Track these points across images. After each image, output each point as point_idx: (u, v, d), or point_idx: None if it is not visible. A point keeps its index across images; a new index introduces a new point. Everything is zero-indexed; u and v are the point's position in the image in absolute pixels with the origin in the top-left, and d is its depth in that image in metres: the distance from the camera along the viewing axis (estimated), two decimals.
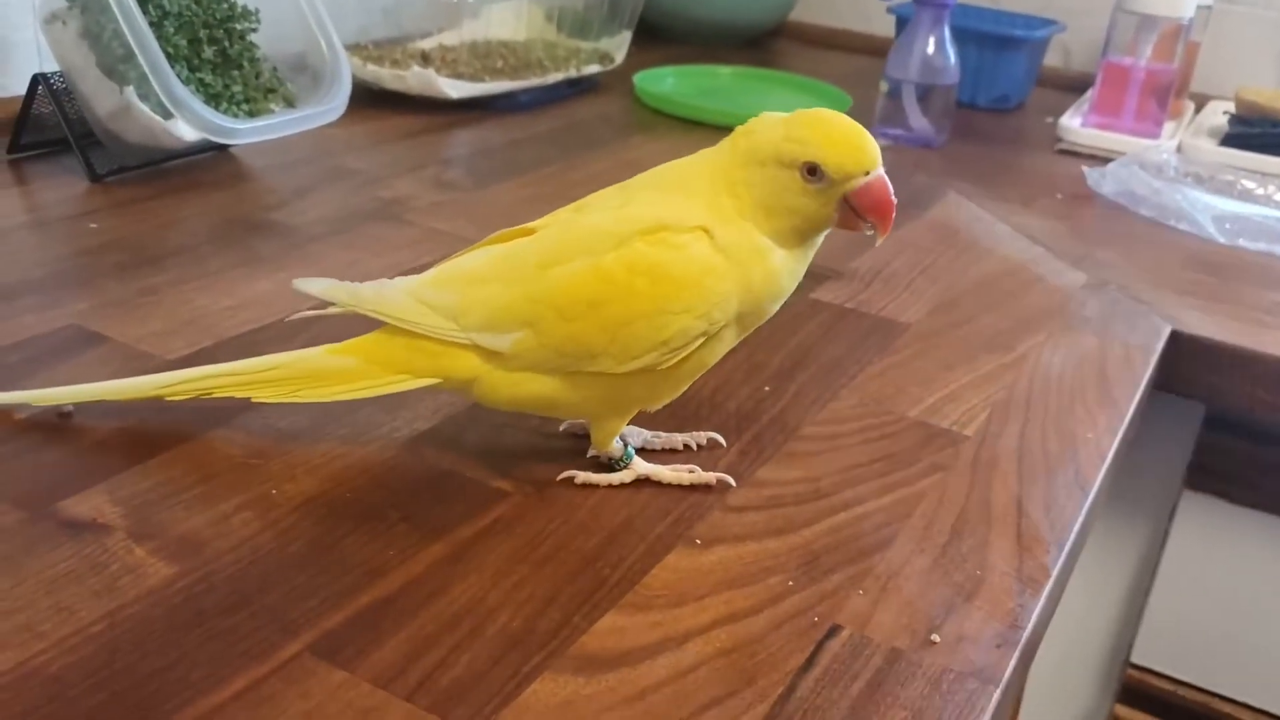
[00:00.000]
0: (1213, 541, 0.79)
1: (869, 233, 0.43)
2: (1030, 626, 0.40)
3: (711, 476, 0.46)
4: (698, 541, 0.43)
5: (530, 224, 0.45)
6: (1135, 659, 0.83)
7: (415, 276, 0.44)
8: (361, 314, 0.44)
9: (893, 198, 0.42)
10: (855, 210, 0.42)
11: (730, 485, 0.46)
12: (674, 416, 0.50)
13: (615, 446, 0.45)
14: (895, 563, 0.43)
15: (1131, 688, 0.84)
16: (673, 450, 0.49)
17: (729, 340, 0.44)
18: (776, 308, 0.44)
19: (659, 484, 0.46)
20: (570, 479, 0.45)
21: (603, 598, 0.39)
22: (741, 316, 0.43)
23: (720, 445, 0.49)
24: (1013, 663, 0.38)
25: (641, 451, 0.48)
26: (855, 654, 0.38)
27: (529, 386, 0.43)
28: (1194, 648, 0.81)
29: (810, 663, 0.37)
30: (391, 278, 0.45)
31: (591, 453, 0.47)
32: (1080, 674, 0.88)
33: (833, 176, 0.41)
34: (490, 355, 0.43)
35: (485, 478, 0.45)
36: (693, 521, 0.44)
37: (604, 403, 0.44)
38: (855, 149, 0.41)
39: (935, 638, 0.39)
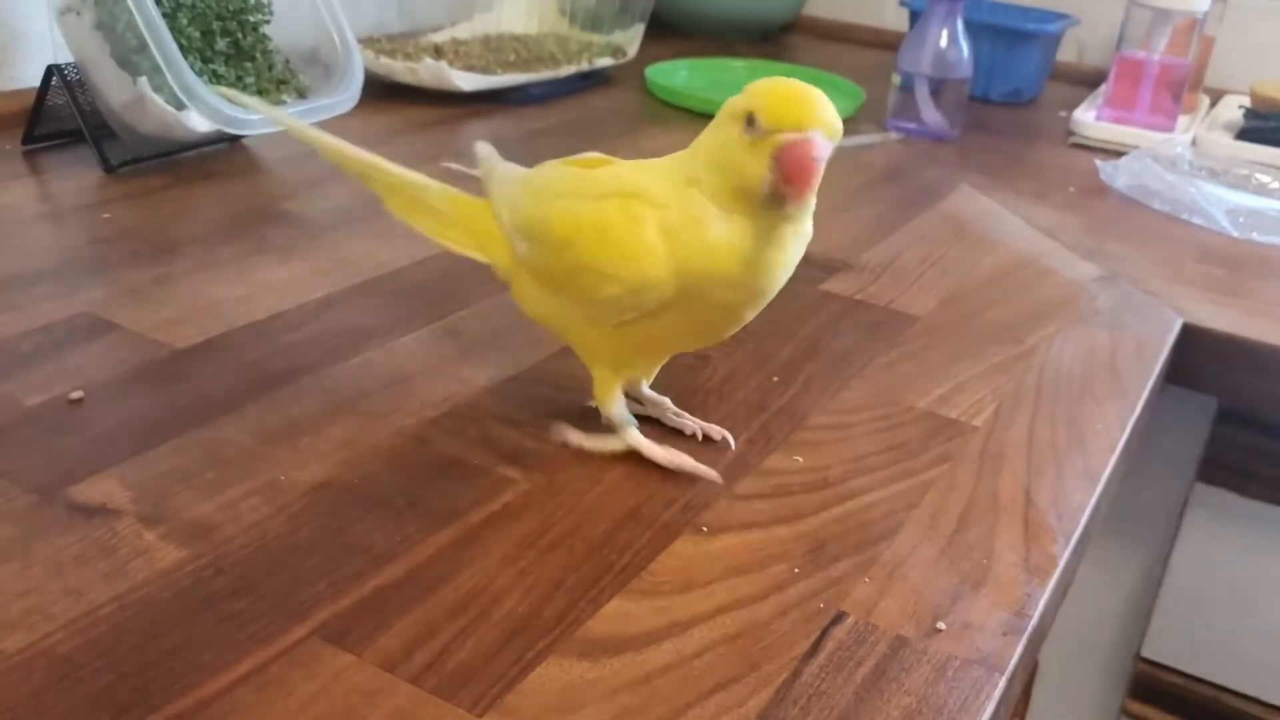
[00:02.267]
0: (1224, 535, 0.79)
1: (786, 201, 0.39)
2: (1037, 615, 0.40)
3: (705, 471, 0.45)
4: (704, 529, 0.43)
5: (613, 159, 0.47)
6: (1146, 653, 0.83)
7: (537, 168, 0.48)
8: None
9: (814, 163, 0.38)
10: (777, 169, 0.38)
11: (718, 483, 0.45)
12: (684, 405, 0.50)
13: (615, 411, 0.46)
14: (902, 551, 0.43)
15: (1142, 682, 0.84)
16: (680, 432, 0.49)
17: (683, 322, 0.43)
18: (735, 294, 0.42)
19: (656, 466, 0.46)
20: (564, 442, 0.47)
21: (609, 583, 0.39)
22: (688, 297, 0.42)
23: (729, 448, 0.48)
24: (1019, 651, 0.38)
25: (652, 423, 0.49)
26: (860, 641, 0.38)
27: (543, 303, 0.46)
28: (1205, 642, 0.81)
29: (815, 649, 0.37)
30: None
31: (591, 403, 0.48)
32: (1090, 668, 0.87)
33: (765, 126, 0.38)
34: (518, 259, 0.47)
35: (493, 464, 0.45)
36: (700, 509, 0.44)
37: (584, 342, 0.46)
38: (796, 103, 0.39)
39: (941, 625, 0.39)
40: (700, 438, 0.49)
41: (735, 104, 0.41)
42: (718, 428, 0.49)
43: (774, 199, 0.39)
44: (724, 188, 0.40)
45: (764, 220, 0.40)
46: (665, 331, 0.44)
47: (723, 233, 0.41)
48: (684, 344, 0.48)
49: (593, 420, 0.48)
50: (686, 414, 0.49)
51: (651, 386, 0.50)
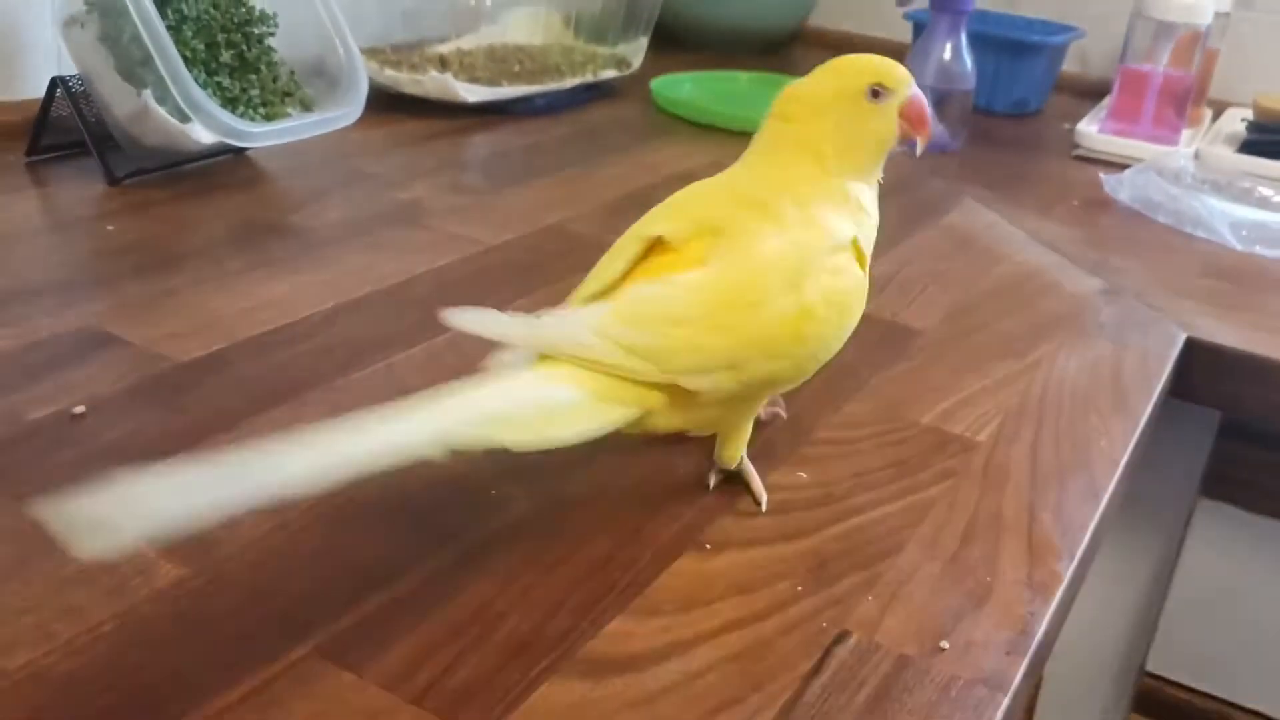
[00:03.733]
0: (1228, 549, 0.79)
1: (910, 146, 0.47)
2: (1041, 634, 0.40)
3: (769, 410, 0.51)
4: (707, 546, 0.43)
5: (662, 224, 0.43)
6: (1151, 667, 0.83)
7: (591, 309, 0.41)
8: (548, 356, 0.40)
9: (928, 108, 0.47)
10: (906, 121, 0.46)
11: (782, 417, 0.52)
12: None
13: (741, 456, 0.46)
14: (905, 569, 0.42)
15: (1147, 696, 0.83)
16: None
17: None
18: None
19: (658, 483, 0.46)
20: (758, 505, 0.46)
21: (611, 602, 0.39)
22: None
23: (782, 417, 0.52)
24: (1022, 670, 0.38)
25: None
26: (863, 660, 0.37)
27: (700, 414, 0.43)
28: (1210, 656, 0.81)
29: (818, 668, 0.37)
30: (559, 308, 0.43)
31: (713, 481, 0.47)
32: (1095, 682, 0.87)
33: (892, 89, 0.45)
34: (671, 394, 0.41)
35: (496, 483, 0.45)
36: (702, 526, 0.44)
37: (748, 413, 0.46)
38: (895, 65, 0.46)
39: (944, 644, 0.39)
40: (764, 416, 0.52)
41: (844, 87, 0.45)
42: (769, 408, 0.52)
43: (904, 142, 0.47)
44: (862, 159, 0.46)
45: (876, 180, 0.47)
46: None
47: (870, 200, 0.46)
48: None
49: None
50: None
51: None
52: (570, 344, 0.40)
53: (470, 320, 0.40)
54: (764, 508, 0.45)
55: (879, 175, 0.47)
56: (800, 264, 0.42)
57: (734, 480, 0.47)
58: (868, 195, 0.46)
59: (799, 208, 0.44)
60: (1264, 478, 0.77)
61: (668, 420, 0.42)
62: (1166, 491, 0.81)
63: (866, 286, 0.45)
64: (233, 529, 0.41)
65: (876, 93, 0.45)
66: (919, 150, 0.47)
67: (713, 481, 0.46)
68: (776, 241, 0.42)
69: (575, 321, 0.41)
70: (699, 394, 0.41)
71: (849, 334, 0.45)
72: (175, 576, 0.38)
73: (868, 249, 0.46)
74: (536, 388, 0.40)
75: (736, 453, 0.46)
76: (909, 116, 0.46)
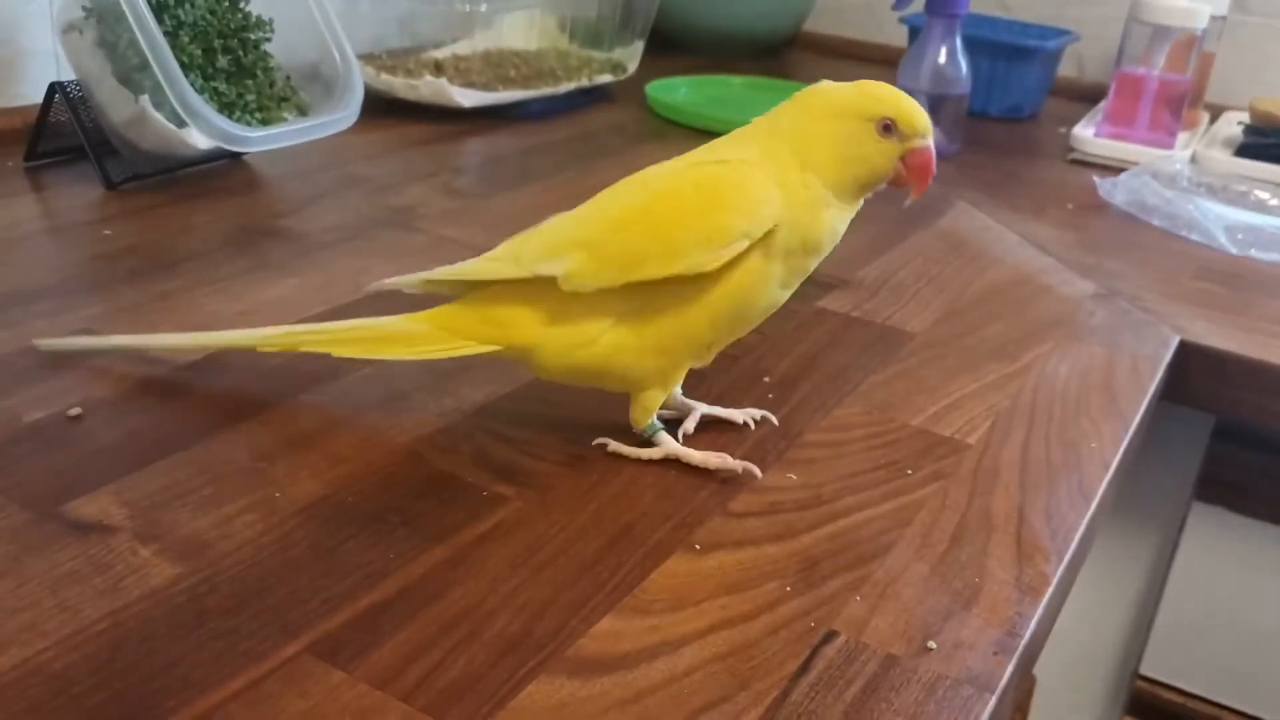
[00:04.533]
0: (1222, 553, 0.79)
1: (908, 197, 0.48)
2: (1029, 634, 0.40)
3: (738, 465, 0.47)
4: (697, 546, 0.43)
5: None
6: (1144, 671, 0.83)
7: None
8: (434, 284, 0.48)
9: (934, 168, 0.47)
10: (906, 168, 0.47)
11: (756, 476, 0.47)
12: (680, 420, 0.50)
13: (650, 424, 0.48)
14: (894, 569, 0.43)
15: (1140, 700, 0.84)
16: (730, 423, 0.51)
17: (772, 280, 0.46)
18: (815, 263, 0.47)
19: (650, 484, 0.46)
20: (603, 445, 0.48)
21: (601, 602, 0.39)
22: (785, 251, 0.46)
23: (774, 425, 0.52)
24: (1009, 670, 0.38)
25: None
26: (850, 660, 0.38)
27: (579, 353, 0.46)
28: (1203, 660, 0.81)
29: (805, 668, 0.37)
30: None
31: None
32: (1089, 686, 0.87)
33: (904, 132, 0.46)
34: (546, 319, 0.46)
35: (487, 483, 0.46)
36: (693, 527, 0.44)
37: (654, 353, 0.46)
38: (922, 114, 0.46)
39: (932, 644, 0.39)
40: (753, 425, 0.51)
41: (862, 106, 0.46)
42: (755, 410, 0.52)
43: (896, 186, 0.47)
44: (849, 178, 0.46)
45: (856, 206, 0.48)
46: (748, 291, 0.46)
47: (831, 214, 0.46)
48: (748, 324, 0.48)
49: (597, 428, 0.48)
50: (719, 407, 0.51)
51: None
52: (448, 269, 0.48)
53: (387, 282, 0.50)
54: (713, 467, 0.47)
55: (858, 203, 0.48)
56: (664, 171, 0.47)
57: (727, 480, 0.47)
58: (836, 209, 0.46)
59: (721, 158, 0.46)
60: (1258, 481, 0.77)
61: (552, 357, 0.46)
62: (1160, 495, 0.81)
63: (762, 183, 0.45)
64: (226, 527, 0.41)
65: (888, 127, 0.46)
66: (908, 201, 0.48)
67: (610, 445, 0.48)
68: (653, 169, 0.47)
69: (470, 260, 0.48)
70: (569, 280, 0.44)
71: (728, 212, 0.44)
72: (169, 575, 0.38)
73: (810, 250, 0.46)
74: (389, 322, 0.48)
75: (641, 417, 0.48)
76: (911, 165, 0.47)
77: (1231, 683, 0.81)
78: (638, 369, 0.47)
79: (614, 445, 0.48)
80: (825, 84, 0.47)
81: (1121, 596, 0.84)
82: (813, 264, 0.47)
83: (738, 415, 0.51)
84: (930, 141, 0.47)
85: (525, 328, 0.46)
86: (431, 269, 0.49)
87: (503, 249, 0.48)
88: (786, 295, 0.48)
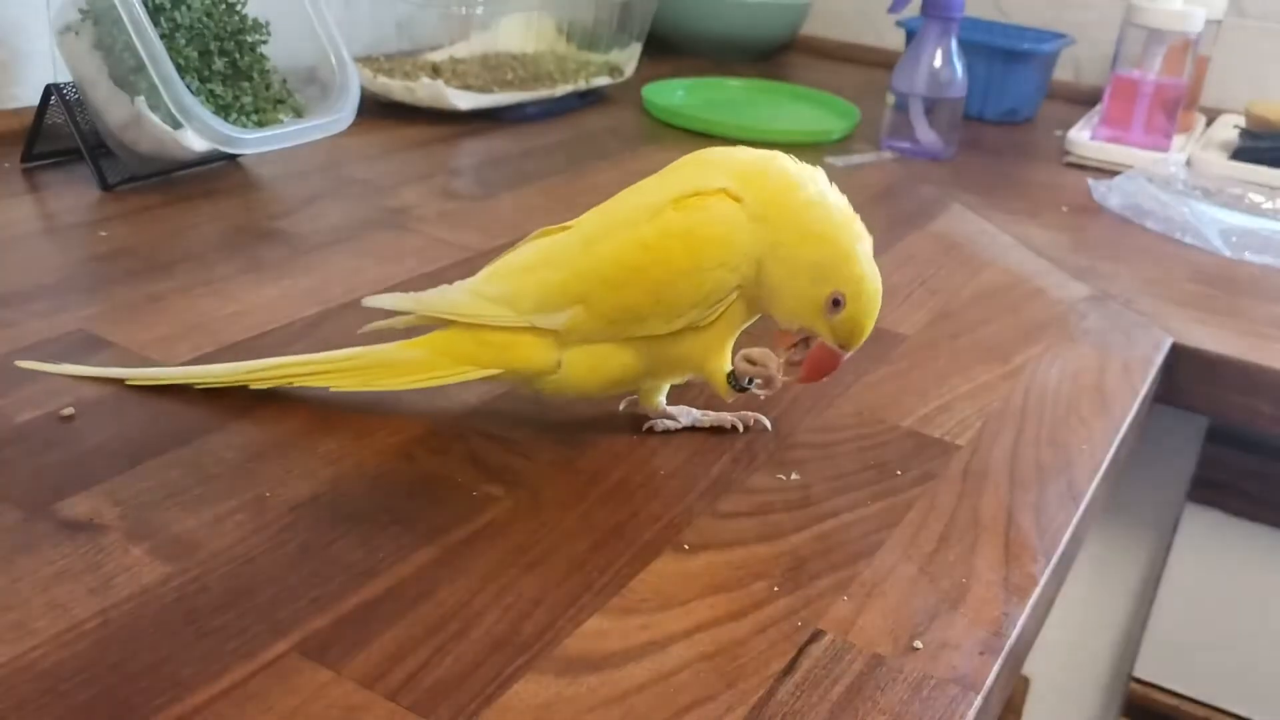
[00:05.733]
0: (1216, 555, 0.79)
1: (766, 381, 0.48)
2: (1015, 635, 0.41)
3: (750, 416, 0.50)
4: (686, 546, 0.43)
5: (568, 222, 0.49)
6: (1138, 673, 0.83)
7: (472, 277, 0.48)
8: (429, 317, 0.48)
9: (826, 377, 0.47)
10: (800, 359, 0.47)
11: (766, 428, 0.51)
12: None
13: (659, 403, 0.50)
14: (881, 570, 0.43)
15: (1135, 702, 0.84)
16: (720, 428, 0.51)
17: (742, 312, 0.47)
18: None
19: (640, 483, 0.47)
20: (651, 428, 0.50)
21: (589, 601, 0.39)
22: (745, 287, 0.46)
23: (766, 429, 0.52)
24: (995, 670, 0.39)
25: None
26: (836, 659, 0.38)
27: (584, 368, 0.47)
28: (1198, 662, 0.81)
29: (791, 667, 0.37)
30: (451, 283, 0.48)
31: (647, 425, 0.51)
32: (1083, 688, 0.87)
33: (838, 325, 0.45)
34: (551, 345, 0.46)
35: (477, 482, 0.46)
36: (682, 527, 0.44)
37: (653, 373, 0.48)
38: (864, 333, 0.46)
39: (918, 644, 0.39)
40: (742, 429, 0.51)
41: (828, 269, 0.44)
42: (750, 413, 0.52)
43: (783, 363, 0.48)
44: (769, 301, 0.46)
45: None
46: (736, 324, 0.47)
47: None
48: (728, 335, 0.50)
49: (588, 429, 0.48)
50: (711, 411, 0.52)
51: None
52: (444, 303, 0.47)
53: (377, 300, 0.48)
54: (692, 422, 0.50)
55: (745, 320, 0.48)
56: (646, 209, 0.45)
57: (717, 481, 0.47)
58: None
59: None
60: (1251, 483, 0.77)
61: (558, 381, 0.47)
62: (1154, 497, 0.81)
63: (740, 223, 0.44)
64: (216, 528, 0.41)
65: (837, 303, 0.44)
66: (761, 391, 0.48)
67: (658, 426, 0.50)
68: (634, 196, 0.47)
69: (452, 288, 0.47)
70: (569, 334, 0.46)
71: (719, 269, 0.44)
72: (158, 574, 0.39)
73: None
74: (385, 350, 0.48)
75: (653, 400, 0.50)
76: (813, 355, 0.46)
77: (1226, 685, 0.81)
78: (637, 383, 0.48)
79: (661, 425, 0.50)
80: (810, 191, 0.45)
81: (1115, 598, 0.84)
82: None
83: (728, 419, 0.51)
84: (842, 352, 0.46)
85: (527, 351, 0.47)
86: (423, 291, 0.48)
87: (493, 284, 0.47)
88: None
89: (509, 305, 0.46)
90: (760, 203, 0.45)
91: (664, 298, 0.45)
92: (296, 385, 0.48)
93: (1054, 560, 0.45)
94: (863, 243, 0.45)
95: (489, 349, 0.47)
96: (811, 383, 0.48)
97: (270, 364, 0.49)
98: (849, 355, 0.46)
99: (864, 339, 0.46)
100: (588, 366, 0.47)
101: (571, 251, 0.46)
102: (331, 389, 0.48)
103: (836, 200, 0.46)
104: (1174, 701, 0.82)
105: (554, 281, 0.46)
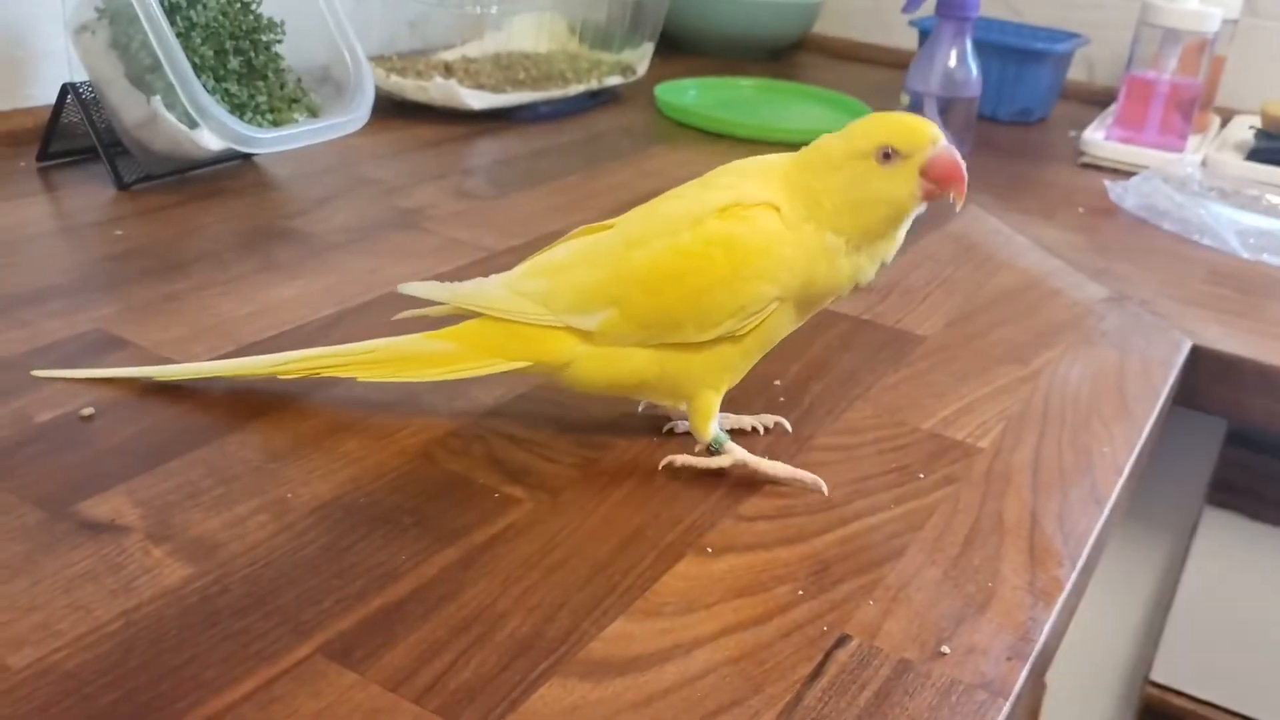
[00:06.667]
0: (1234, 558, 0.78)
1: (951, 200, 0.45)
2: (1042, 640, 0.40)
3: (809, 477, 0.47)
4: (709, 549, 0.43)
5: (609, 220, 0.48)
6: (1155, 677, 0.83)
7: (508, 271, 0.48)
8: (463, 309, 0.47)
9: (962, 163, 0.44)
10: (932, 181, 0.44)
11: (824, 492, 0.47)
12: None
13: (710, 429, 0.47)
14: (906, 573, 0.43)
15: (1151, 706, 0.83)
16: (741, 431, 0.51)
17: (787, 320, 0.46)
18: (829, 300, 0.47)
19: (660, 486, 0.46)
20: (671, 464, 0.47)
21: (612, 604, 0.39)
22: (799, 298, 0.45)
23: (786, 431, 0.51)
24: (1023, 675, 0.38)
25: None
26: (864, 664, 0.38)
27: (617, 367, 0.46)
28: (1215, 666, 0.81)
29: (818, 672, 0.37)
30: (486, 275, 0.48)
31: (668, 427, 0.50)
32: (1100, 692, 0.87)
33: (904, 153, 0.43)
34: (581, 338, 0.46)
35: (498, 484, 0.45)
36: (704, 530, 0.44)
37: (688, 379, 0.46)
38: (916, 125, 0.44)
39: (945, 649, 0.39)
40: (764, 430, 0.51)
41: (855, 147, 0.44)
42: (770, 416, 0.51)
43: (929, 201, 0.44)
44: (874, 220, 0.44)
45: (886, 239, 0.45)
46: (778, 326, 0.46)
47: (844, 258, 0.45)
48: (775, 341, 0.49)
49: (609, 430, 0.48)
50: (730, 414, 0.51)
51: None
52: (479, 296, 0.47)
53: (413, 287, 0.48)
54: (783, 478, 0.47)
55: (895, 239, 0.46)
56: (688, 215, 0.45)
57: (736, 483, 0.47)
58: (865, 254, 0.45)
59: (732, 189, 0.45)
60: (1270, 486, 0.77)
61: (586, 374, 0.46)
62: (1172, 500, 0.81)
63: (784, 237, 0.44)
64: (238, 528, 0.41)
65: (887, 155, 0.44)
66: (958, 206, 0.45)
67: (677, 461, 0.47)
68: (676, 202, 0.46)
69: (487, 281, 0.47)
70: (602, 337, 0.45)
71: (758, 280, 0.44)
72: (181, 576, 0.38)
73: (831, 293, 0.46)
74: (414, 341, 0.47)
75: (702, 426, 0.47)
76: (934, 174, 0.44)
77: (1243, 689, 0.80)
78: (672, 389, 0.47)
79: (680, 459, 0.47)
80: (821, 138, 0.46)
81: (1133, 602, 0.84)
82: (824, 301, 0.47)
83: (748, 421, 0.51)
84: (942, 145, 0.44)
85: (557, 344, 0.46)
86: (456, 282, 0.48)
87: (530, 280, 0.46)
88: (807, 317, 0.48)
89: (544, 303, 0.46)
90: (801, 189, 0.45)
91: (700, 305, 0.44)
92: (325, 376, 0.48)
93: (1080, 565, 0.45)
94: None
95: (519, 342, 0.46)
96: (963, 181, 0.44)
97: (298, 356, 0.48)
98: (947, 145, 0.44)
99: (930, 127, 0.44)
100: (599, 364, 0.46)
101: (611, 253, 0.46)
102: (359, 379, 0.47)
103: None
104: (1191, 705, 0.82)
105: (591, 282, 0.45)
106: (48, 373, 0.50)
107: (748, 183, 0.46)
